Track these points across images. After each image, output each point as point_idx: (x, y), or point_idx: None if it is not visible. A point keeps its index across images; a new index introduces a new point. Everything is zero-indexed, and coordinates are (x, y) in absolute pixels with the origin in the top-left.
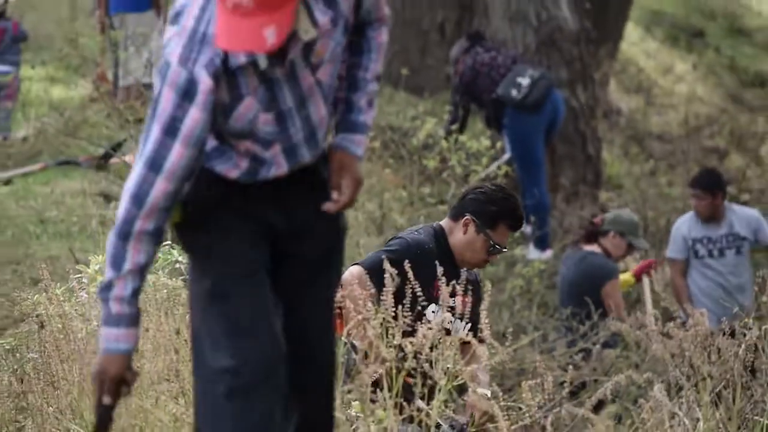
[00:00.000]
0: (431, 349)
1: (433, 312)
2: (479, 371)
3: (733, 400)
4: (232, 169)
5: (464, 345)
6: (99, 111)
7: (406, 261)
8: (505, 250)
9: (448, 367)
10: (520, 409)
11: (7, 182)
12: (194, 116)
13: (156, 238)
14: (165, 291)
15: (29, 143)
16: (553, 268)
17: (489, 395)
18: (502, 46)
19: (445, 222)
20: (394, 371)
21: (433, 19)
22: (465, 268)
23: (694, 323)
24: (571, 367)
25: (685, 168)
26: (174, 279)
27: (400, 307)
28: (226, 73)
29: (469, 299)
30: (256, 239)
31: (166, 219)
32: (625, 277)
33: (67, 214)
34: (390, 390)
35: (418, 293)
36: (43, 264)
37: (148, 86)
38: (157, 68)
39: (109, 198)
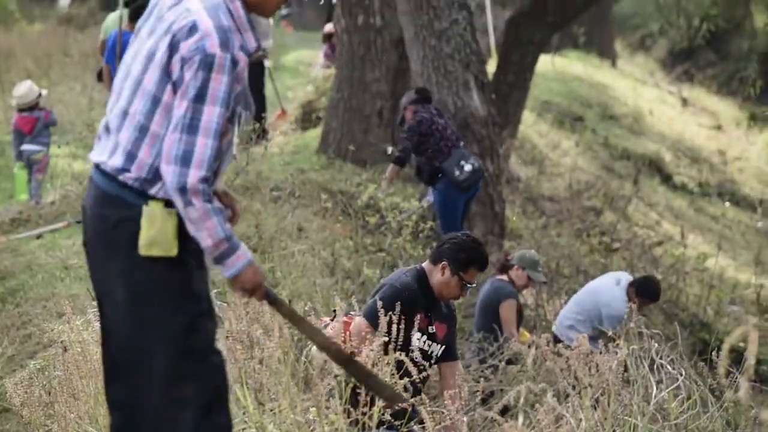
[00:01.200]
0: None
1: (418, 339)
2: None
3: (608, 404)
4: None
5: (441, 363)
6: None
7: (397, 303)
8: (473, 285)
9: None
10: (443, 412)
11: (39, 237)
12: (235, 85)
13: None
14: None
15: (56, 206)
16: (468, 301)
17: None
18: (446, 110)
19: (426, 264)
20: (344, 383)
21: (373, 106)
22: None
23: (578, 344)
24: (482, 379)
25: (570, 222)
26: None
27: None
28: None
29: (445, 327)
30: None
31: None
32: (526, 332)
33: (86, 261)
34: (341, 398)
35: (405, 325)
36: (66, 301)
37: None
38: (188, 64)
39: None
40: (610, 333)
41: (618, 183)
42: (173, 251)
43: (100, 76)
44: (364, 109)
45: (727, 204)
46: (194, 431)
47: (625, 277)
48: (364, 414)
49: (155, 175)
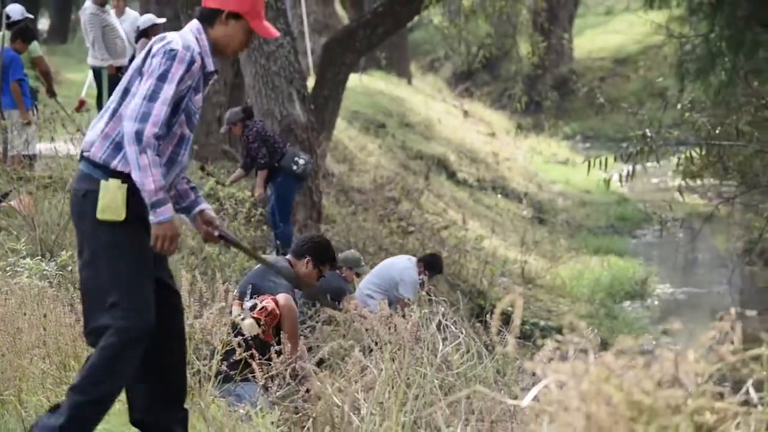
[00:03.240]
0: None
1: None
2: None
3: (404, 357)
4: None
5: None
6: None
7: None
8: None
9: None
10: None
11: None
12: (187, 77)
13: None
14: (36, 290)
15: None
16: None
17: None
18: (273, 117)
19: (290, 257)
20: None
21: (213, 114)
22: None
23: (380, 309)
24: (302, 337)
25: (374, 209)
26: (42, 282)
27: None
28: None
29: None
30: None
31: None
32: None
33: None
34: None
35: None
36: None
37: (26, 156)
38: (157, 56)
39: None
40: (405, 299)
41: (413, 178)
42: (122, 216)
43: None
44: (206, 116)
45: (499, 196)
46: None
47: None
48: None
49: (116, 149)
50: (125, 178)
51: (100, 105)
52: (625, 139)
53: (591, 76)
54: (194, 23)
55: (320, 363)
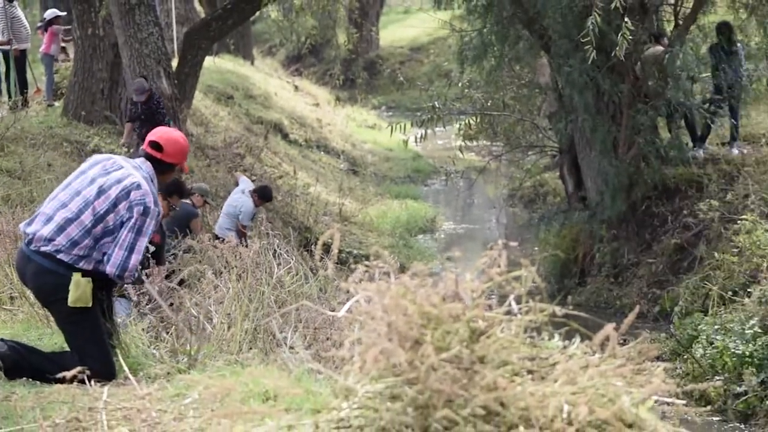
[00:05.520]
0: None
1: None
2: None
3: (247, 278)
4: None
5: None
6: None
7: None
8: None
9: None
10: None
11: None
12: (153, 225)
13: None
14: None
15: None
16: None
17: None
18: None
19: None
20: None
21: (97, 87)
22: None
23: (228, 240)
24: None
25: (224, 163)
26: None
27: None
28: None
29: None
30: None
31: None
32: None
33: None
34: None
35: None
36: None
37: None
38: (134, 206)
39: None
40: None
41: (255, 138)
42: (90, 303)
43: None
44: (91, 88)
45: (322, 153)
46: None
47: (248, 187)
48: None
49: (84, 257)
50: (86, 272)
51: (8, 78)
52: (419, 109)
53: (393, 61)
54: (150, 170)
55: (181, 282)
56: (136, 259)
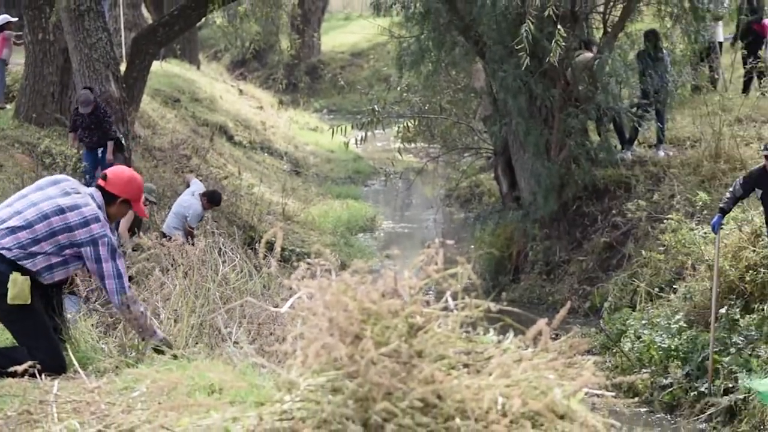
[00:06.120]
0: None
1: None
2: None
3: (193, 275)
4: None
5: None
6: None
7: None
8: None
9: None
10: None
11: None
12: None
13: None
14: None
15: None
16: None
17: None
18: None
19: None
20: None
21: (48, 90)
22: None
23: (175, 239)
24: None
25: (171, 164)
26: None
27: None
28: None
29: None
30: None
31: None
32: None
33: None
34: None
35: None
36: None
37: None
38: (98, 239)
39: None
40: (192, 228)
41: (201, 140)
42: (29, 301)
43: None
44: (42, 91)
45: (266, 154)
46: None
47: (198, 189)
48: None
49: (30, 256)
50: (26, 271)
51: None
52: (359, 112)
53: (334, 65)
54: (100, 199)
55: (129, 280)
56: (125, 280)
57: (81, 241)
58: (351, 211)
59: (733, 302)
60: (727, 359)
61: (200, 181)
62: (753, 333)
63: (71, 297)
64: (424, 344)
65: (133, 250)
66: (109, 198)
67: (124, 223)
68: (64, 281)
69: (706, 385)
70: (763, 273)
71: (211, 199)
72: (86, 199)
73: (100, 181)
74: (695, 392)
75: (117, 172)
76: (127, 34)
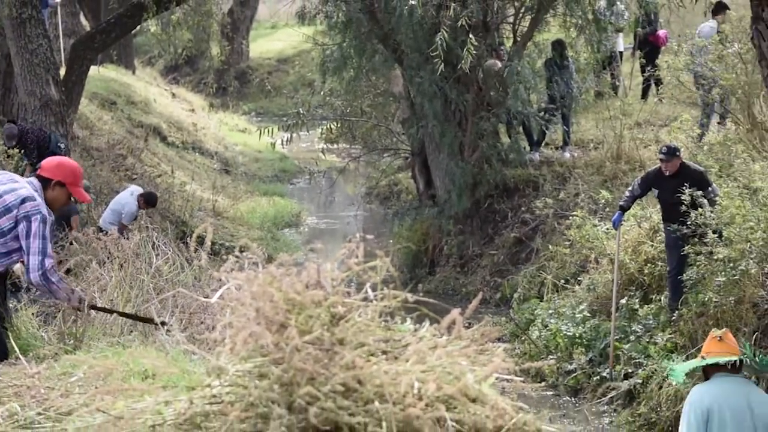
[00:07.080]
0: None
1: None
2: None
3: (128, 268)
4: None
5: None
6: None
7: None
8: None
9: None
10: None
11: None
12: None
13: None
14: None
15: None
16: None
17: None
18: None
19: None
20: None
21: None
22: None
23: (111, 233)
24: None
25: (108, 163)
26: None
27: None
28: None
29: None
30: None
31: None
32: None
33: None
34: None
35: None
36: None
37: None
38: (31, 215)
39: None
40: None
41: (136, 141)
42: None
43: None
44: None
45: (197, 154)
46: None
47: (137, 190)
48: None
49: None
50: None
51: None
52: (285, 115)
53: (262, 71)
54: (37, 184)
55: (68, 272)
56: (49, 261)
57: (18, 219)
58: (277, 208)
59: (632, 293)
60: (627, 346)
61: (135, 178)
62: (651, 322)
63: (12, 287)
64: (346, 332)
65: (71, 243)
66: (44, 182)
67: (76, 219)
68: (5, 272)
69: (607, 370)
70: (660, 266)
71: (148, 200)
72: (22, 183)
73: (38, 171)
74: (598, 377)
75: (49, 159)
76: (66, 41)
